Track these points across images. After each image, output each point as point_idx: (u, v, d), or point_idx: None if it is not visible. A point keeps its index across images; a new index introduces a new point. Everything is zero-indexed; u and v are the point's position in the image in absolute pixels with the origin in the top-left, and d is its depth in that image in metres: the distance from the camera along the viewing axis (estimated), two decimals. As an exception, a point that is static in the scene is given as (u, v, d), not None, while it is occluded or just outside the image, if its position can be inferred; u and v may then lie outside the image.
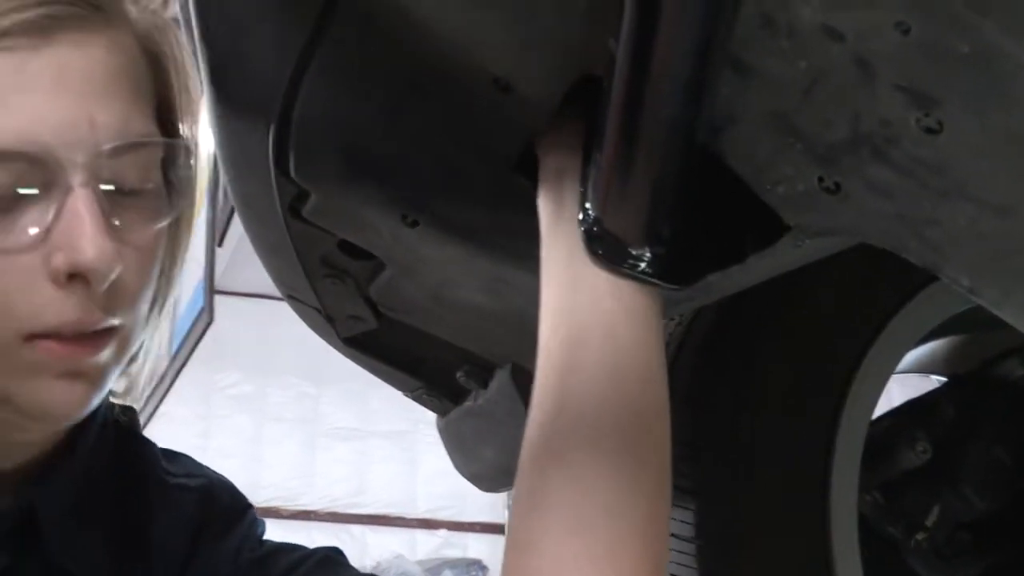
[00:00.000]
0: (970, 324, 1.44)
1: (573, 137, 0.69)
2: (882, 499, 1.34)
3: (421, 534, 7.02)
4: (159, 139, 0.67)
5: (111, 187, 0.64)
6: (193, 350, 3.77)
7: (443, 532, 7.11)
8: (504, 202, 0.76)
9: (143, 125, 0.66)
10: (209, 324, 3.54)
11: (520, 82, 0.66)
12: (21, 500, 0.70)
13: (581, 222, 0.67)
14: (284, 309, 1.07)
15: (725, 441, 1.15)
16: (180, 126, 0.73)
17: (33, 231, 0.61)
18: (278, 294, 1.02)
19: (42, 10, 0.60)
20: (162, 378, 4.03)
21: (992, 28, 0.50)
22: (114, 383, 0.71)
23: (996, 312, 0.65)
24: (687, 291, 0.69)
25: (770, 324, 1.16)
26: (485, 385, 1.05)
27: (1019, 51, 0.50)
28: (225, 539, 0.80)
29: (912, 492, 1.35)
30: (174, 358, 3.84)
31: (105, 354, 0.65)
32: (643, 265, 0.66)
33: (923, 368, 1.56)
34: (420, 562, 6.52)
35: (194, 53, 0.85)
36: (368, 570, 0.84)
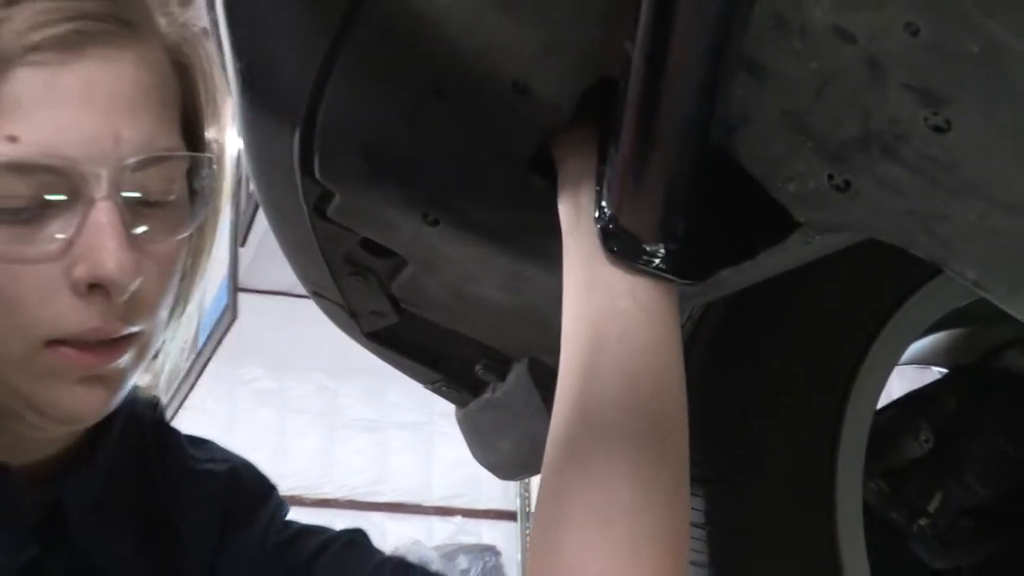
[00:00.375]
0: (971, 317, 1.43)
1: (589, 137, 0.69)
2: (886, 487, 1.34)
3: (437, 521, 7.03)
4: (184, 153, 0.67)
5: (135, 198, 0.63)
6: (217, 346, 3.78)
7: (458, 519, 7.12)
8: (521, 201, 0.76)
9: (168, 139, 0.65)
10: (233, 321, 3.55)
11: (538, 84, 0.66)
12: (47, 494, 0.70)
13: (597, 220, 0.67)
14: (305, 306, 1.07)
15: (735, 432, 1.15)
16: (206, 134, 0.72)
17: (56, 242, 0.61)
18: (299, 291, 1.02)
19: (72, 25, 0.59)
20: (188, 373, 4.04)
21: (1000, 28, 0.49)
22: (137, 379, 0.70)
23: (1003, 306, 0.64)
24: (700, 286, 0.69)
25: (777, 319, 1.16)
26: (503, 378, 1.05)
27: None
28: (252, 522, 0.80)
29: (915, 480, 1.34)
30: (199, 354, 3.85)
31: (124, 360, 0.65)
32: (657, 261, 0.66)
33: (925, 360, 1.55)
34: (436, 548, 6.53)
35: (222, 61, 0.85)
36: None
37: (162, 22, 0.67)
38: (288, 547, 0.79)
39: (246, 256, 4.16)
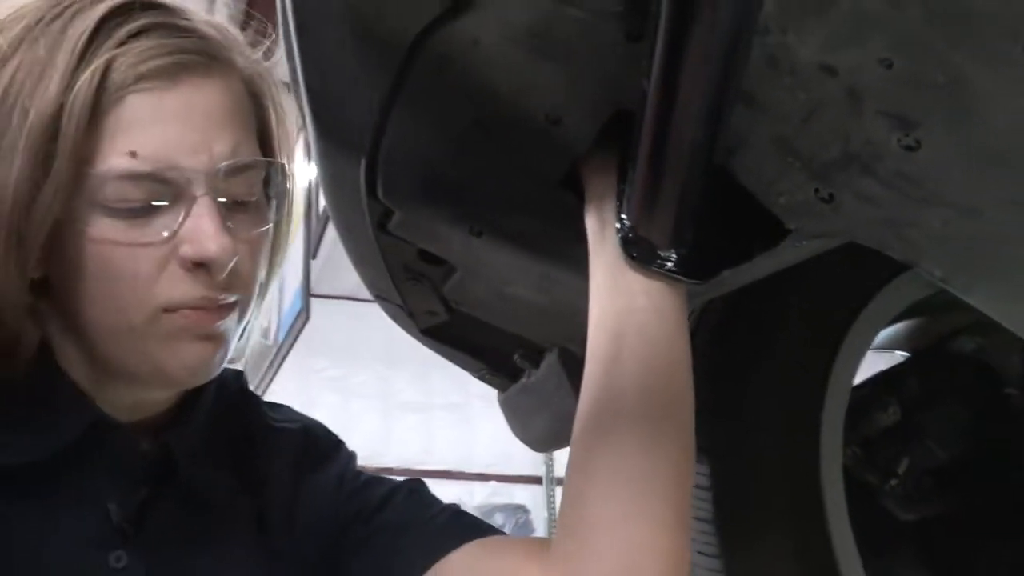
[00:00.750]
0: (928, 308, 1.41)
1: (610, 160, 0.69)
2: (861, 452, 1.32)
3: (476, 485, 7.03)
4: (262, 159, 0.69)
5: (224, 199, 0.65)
6: (294, 342, 3.80)
7: (493, 483, 7.11)
8: (552, 215, 0.75)
9: (249, 151, 0.67)
10: (306, 322, 3.57)
11: (567, 116, 0.66)
12: (159, 442, 0.70)
13: (618, 230, 0.67)
14: (365, 308, 1.07)
15: (734, 408, 1.14)
16: (278, 153, 0.73)
17: (167, 230, 0.63)
18: (360, 296, 1.02)
19: (172, 59, 0.62)
20: (270, 364, 4.07)
21: (964, 60, 0.49)
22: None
23: (964, 298, 0.63)
24: (705, 285, 0.68)
25: (767, 313, 1.15)
26: (537, 365, 1.04)
27: (985, 79, 0.49)
28: (325, 469, 0.79)
29: (886, 447, 1.33)
30: (279, 348, 3.88)
31: (227, 322, 0.66)
32: (670, 264, 0.66)
33: (891, 345, 1.54)
34: (476, 507, 6.53)
35: (299, 101, 0.85)
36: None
37: (239, 59, 0.69)
38: (360, 492, 0.78)
39: (316, 267, 4.18)
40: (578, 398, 0.67)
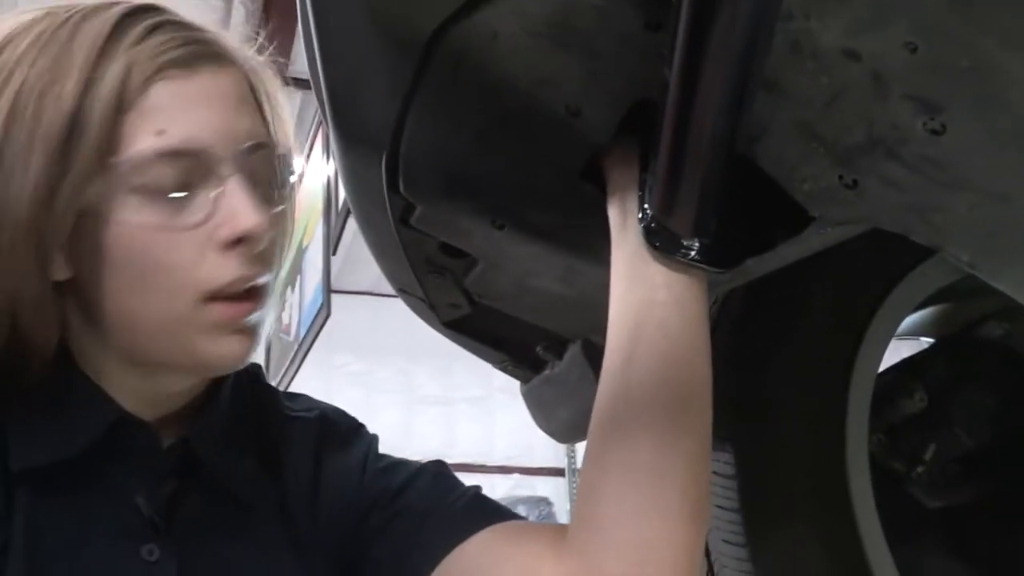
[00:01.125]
0: (954, 294, 1.40)
1: (632, 151, 0.68)
2: (887, 440, 1.31)
3: (498, 478, 7.04)
4: (273, 142, 0.71)
5: (247, 180, 0.67)
6: (315, 338, 3.81)
7: (516, 476, 7.13)
8: (574, 205, 0.75)
9: (263, 134, 0.69)
10: (327, 317, 3.58)
11: (587, 108, 0.66)
12: (182, 437, 0.71)
13: (640, 220, 0.66)
14: (386, 303, 1.07)
15: (757, 397, 1.13)
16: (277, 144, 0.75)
17: (201, 211, 0.64)
18: (381, 291, 1.03)
19: (188, 49, 0.65)
20: (292, 360, 4.09)
21: (988, 44, 0.48)
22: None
23: (992, 283, 0.63)
24: (728, 274, 0.68)
25: (790, 301, 1.14)
26: (560, 357, 1.04)
27: (1012, 64, 0.48)
28: (347, 453, 0.80)
29: (912, 433, 1.32)
30: (300, 344, 3.89)
31: (260, 314, 0.68)
32: (693, 253, 0.65)
33: (917, 331, 1.52)
34: (498, 500, 6.52)
35: (319, 97, 0.85)
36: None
37: (239, 56, 0.71)
38: (383, 475, 0.78)
39: (336, 263, 4.19)
40: None
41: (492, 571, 0.70)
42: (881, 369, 1.23)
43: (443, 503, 0.76)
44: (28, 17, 0.66)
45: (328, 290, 3.58)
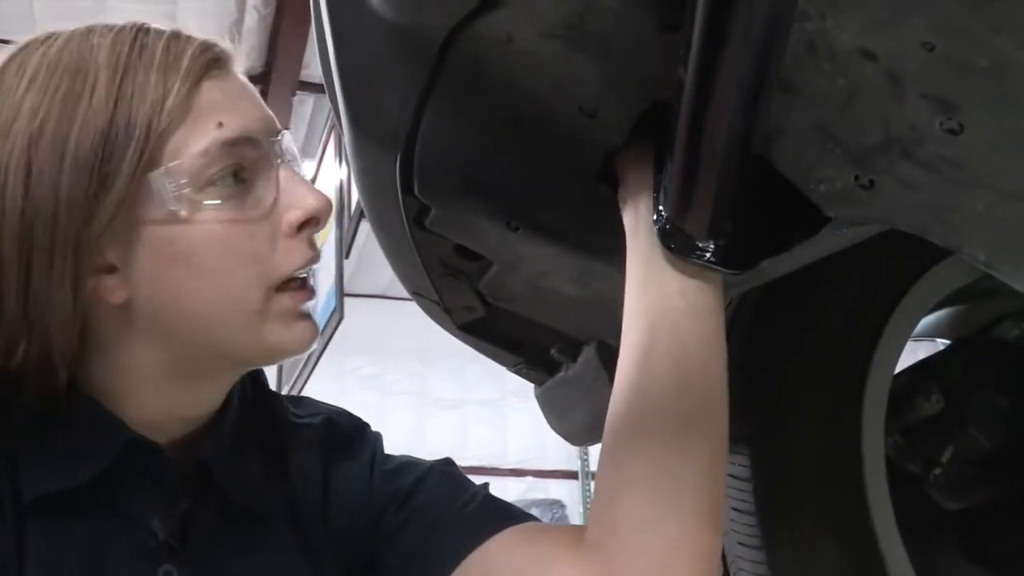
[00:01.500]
0: (970, 295, 1.39)
1: (646, 152, 0.68)
2: (903, 441, 1.31)
3: (511, 481, 7.05)
4: (287, 132, 0.72)
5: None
6: (329, 341, 3.82)
7: (529, 479, 7.13)
8: (589, 207, 0.75)
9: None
10: (340, 320, 3.59)
11: (602, 109, 0.66)
12: (193, 459, 0.71)
13: (656, 222, 0.66)
14: (399, 306, 1.08)
15: (773, 399, 1.13)
16: None
17: (266, 200, 0.66)
18: (393, 294, 1.03)
19: (216, 51, 0.68)
20: (306, 363, 4.10)
21: (1006, 43, 0.48)
22: None
23: (1009, 283, 0.62)
24: (743, 275, 0.68)
25: (805, 302, 1.14)
26: (575, 359, 1.04)
27: (1029, 61, 0.48)
28: (354, 457, 0.80)
29: (929, 435, 1.31)
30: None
31: (314, 299, 0.70)
32: (708, 255, 0.65)
33: (933, 333, 1.52)
34: (511, 503, 6.54)
35: (333, 100, 0.86)
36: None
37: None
38: (393, 476, 0.78)
39: (349, 266, 4.20)
40: None
41: None
42: (897, 371, 1.23)
43: (455, 505, 0.76)
44: (33, 39, 0.67)
45: (341, 293, 3.59)
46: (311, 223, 0.67)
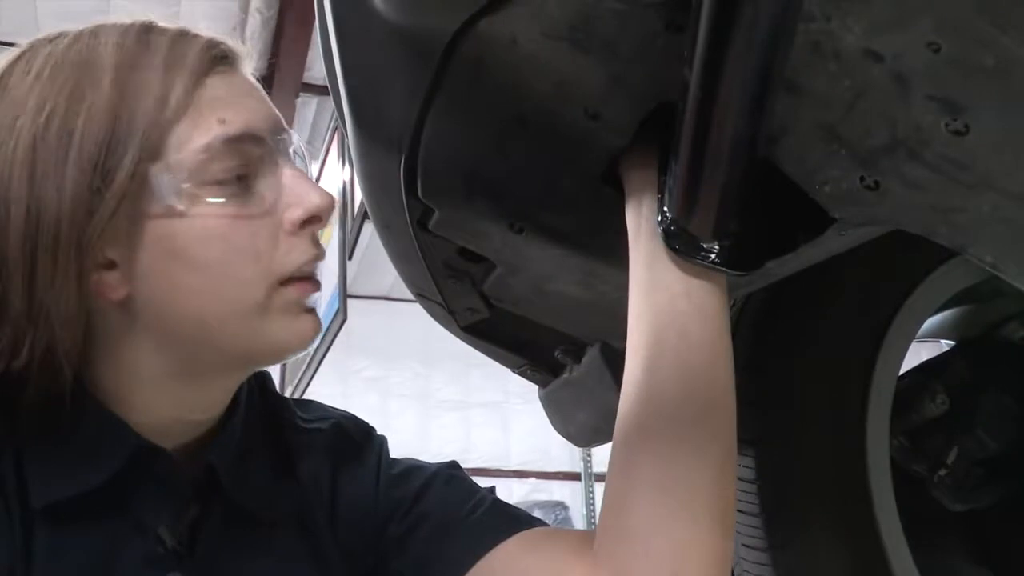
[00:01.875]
0: (975, 296, 1.39)
1: (651, 153, 0.68)
2: (908, 443, 1.31)
3: (515, 482, 7.05)
4: (292, 131, 0.72)
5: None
6: (332, 343, 3.82)
7: (532, 480, 7.13)
8: (593, 209, 0.75)
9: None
10: (344, 322, 3.59)
11: (607, 111, 0.66)
12: (200, 463, 0.70)
13: (660, 223, 0.66)
14: (402, 308, 1.08)
15: (778, 400, 1.13)
16: None
17: (268, 198, 0.66)
18: (396, 296, 1.03)
19: (223, 48, 0.68)
20: (309, 364, 4.10)
21: (1012, 43, 0.48)
22: None
23: (1016, 284, 0.62)
24: (749, 277, 0.68)
25: (810, 304, 1.13)
26: (579, 360, 1.04)
27: (1036, 61, 0.48)
28: (361, 462, 0.79)
29: (934, 436, 1.31)
30: (317, 348, 3.90)
31: (318, 294, 0.70)
32: (713, 256, 0.65)
33: (938, 333, 1.51)
34: (515, 504, 6.53)
35: (337, 102, 0.86)
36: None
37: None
38: (399, 481, 0.78)
39: (352, 268, 4.20)
40: (619, 397, 0.67)
41: None
42: (902, 372, 1.22)
43: (462, 511, 0.75)
44: (41, 38, 0.66)
45: (344, 295, 3.59)
46: (314, 220, 0.67)
